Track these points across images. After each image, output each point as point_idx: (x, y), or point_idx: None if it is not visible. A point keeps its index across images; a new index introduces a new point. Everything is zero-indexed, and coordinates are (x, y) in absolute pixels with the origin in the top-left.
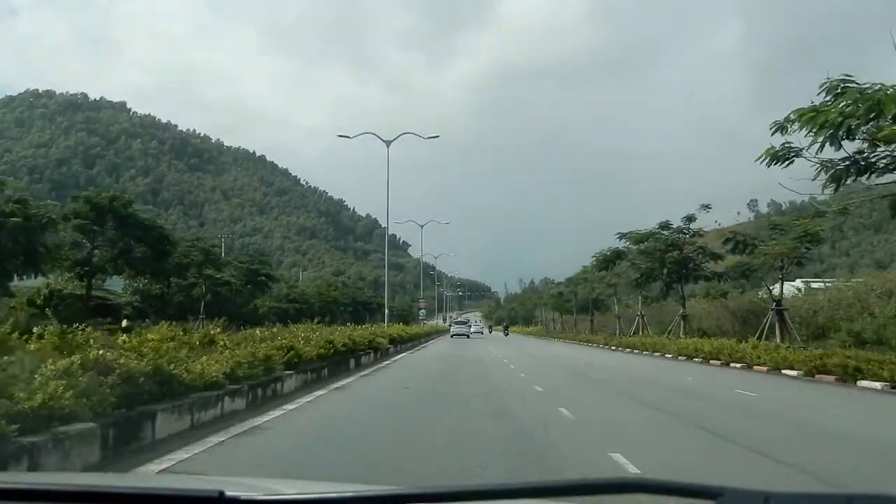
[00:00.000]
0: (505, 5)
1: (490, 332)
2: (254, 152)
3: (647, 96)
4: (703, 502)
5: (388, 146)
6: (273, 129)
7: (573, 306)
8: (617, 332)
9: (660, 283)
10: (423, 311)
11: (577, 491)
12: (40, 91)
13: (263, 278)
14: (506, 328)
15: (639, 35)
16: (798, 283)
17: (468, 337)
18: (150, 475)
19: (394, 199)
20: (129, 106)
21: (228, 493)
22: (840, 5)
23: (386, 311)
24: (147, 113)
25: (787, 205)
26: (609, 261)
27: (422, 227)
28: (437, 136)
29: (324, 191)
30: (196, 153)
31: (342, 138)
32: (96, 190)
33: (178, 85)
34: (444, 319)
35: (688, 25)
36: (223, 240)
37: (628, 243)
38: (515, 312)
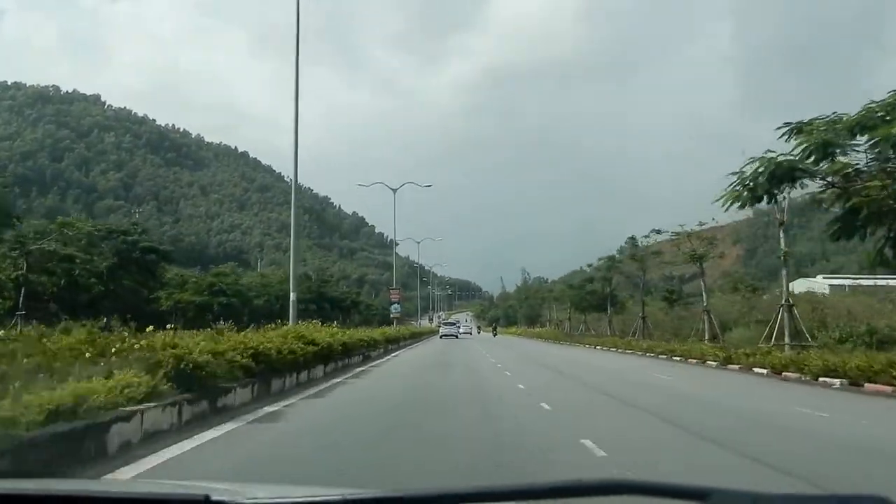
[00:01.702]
0: (498, 6)
1: (479, 332)
2: (235, 148)
3: (642, 97)
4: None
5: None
6: (260, 131)
7: (601, 298)
8: (707, 336)
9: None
10: (396, 305)
11: (566, 492)
12: (9, 83)
13: (152, 257)
14: (494, 329)
15: (635, 37)
16: None
17: (457, 337)
18: (134, 480)
19: (382, 204)
20: (103, 99)
21: (214, 498)
22: (831, 10)
23: (292, 295)
24: (122, 106)
25: None
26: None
27: (394, 191)
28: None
29: (308, 188)
30: (173, 148)
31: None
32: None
33: (166, 87)
34: (431, 320)
35: (685, 28)
36: (138, 211)
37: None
38: (514, 311)
